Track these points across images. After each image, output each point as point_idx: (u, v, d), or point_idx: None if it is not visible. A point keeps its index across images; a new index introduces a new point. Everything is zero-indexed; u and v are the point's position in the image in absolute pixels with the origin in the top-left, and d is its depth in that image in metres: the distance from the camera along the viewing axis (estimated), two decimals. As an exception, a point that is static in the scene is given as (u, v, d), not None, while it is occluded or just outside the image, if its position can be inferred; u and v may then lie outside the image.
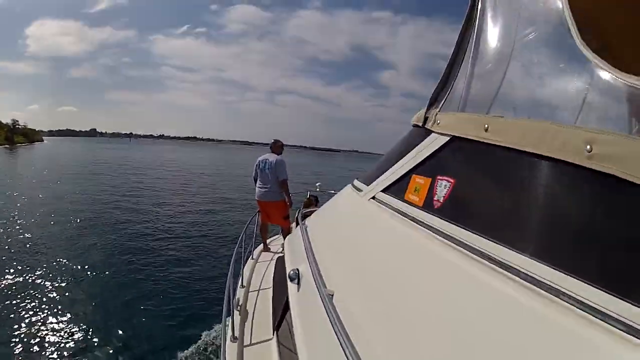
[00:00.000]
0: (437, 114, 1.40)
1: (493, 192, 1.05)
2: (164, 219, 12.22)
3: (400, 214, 1.38)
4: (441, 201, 1.18)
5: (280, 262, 3.02)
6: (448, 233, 1.08)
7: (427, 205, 1.24)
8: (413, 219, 1.28)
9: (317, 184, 7.06)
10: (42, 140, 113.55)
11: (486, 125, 1.05)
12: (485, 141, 1.06)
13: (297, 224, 4.32)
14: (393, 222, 1.41)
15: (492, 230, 0.94)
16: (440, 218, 1.14)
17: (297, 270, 1.81)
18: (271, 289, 3.13)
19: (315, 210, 4.34)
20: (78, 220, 11.13)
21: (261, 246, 4.97)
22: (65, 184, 18.93)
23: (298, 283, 1.78)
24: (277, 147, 4.96)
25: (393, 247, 1.37)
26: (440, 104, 1.44)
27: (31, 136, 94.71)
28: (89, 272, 7.18)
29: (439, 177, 1.24)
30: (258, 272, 3.86)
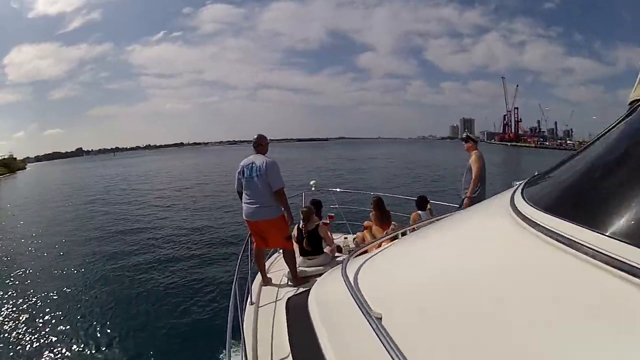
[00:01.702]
0: None
1: None
2: (142, 247, 11.22)
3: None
4: None
5: (295, 306, 2.42)
6: None
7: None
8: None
9: (312, 182, 6.36)
10: (25, 168, 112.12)
11: None
12: None
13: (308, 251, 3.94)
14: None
15: None
16: None
17: None
18: (287, 343, 2.12)
19: (319, 223, 4.15)
20: (45, 254, 11.17)
21: (258, 277, 3.99)
22: (43, 212, 19.94)
23: None
24: (263, 145, 3.99)
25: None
26: None
27: (13, 166, 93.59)
28: (77, 298, 7.56)
29: None
30: (264, 320, 2.95)
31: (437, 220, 2.34)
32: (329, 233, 4.60)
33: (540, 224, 1.01)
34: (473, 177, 4.82)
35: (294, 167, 37.25)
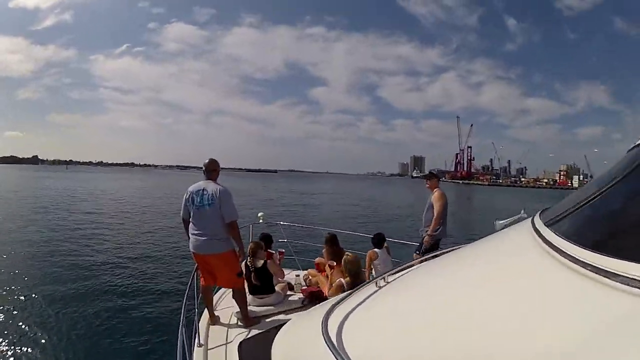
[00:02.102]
0: None
1: None
2: (74, 274, 9.49)
3: None
4: None
5: (252, 355, 2.52)
6: None
7: None
8: None
9: (260, 214, 6.02)
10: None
11: None
12: None
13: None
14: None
15: None
16: None
17: None
18: None
19: (267, 260, 4.07)
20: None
21: (206, 315, 3.67)
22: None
23: None
24: (216, 171, 3.70)
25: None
26: None
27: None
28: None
29: None
30: None
31: (439, 256, 2.07)
32: (279, 268, 4.46)
33: (580, 258, 0.96)
34: (435, 215, 4.75)
35: (241, 197, 36.11)
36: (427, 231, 4.81)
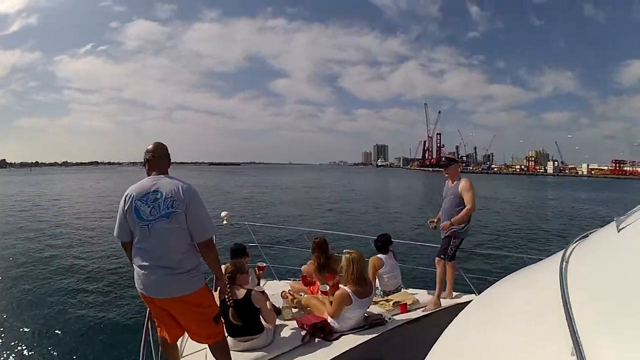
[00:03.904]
0: None
1: None
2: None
3: None
4: None
5: None
6: None
7: None
8: None
9: (223, 214, 5.05)
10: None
11: None
12: None
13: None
14: None
15: None
16: None
17: None
18: None
19: (252, 289, 3.04)
20: None
21: None
22: None
23: None
24: (167, 158, 2.54)
25: None
26: None
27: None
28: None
29: None
30: None
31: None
32: (268, 304, 3.33)
33: None
34: (468, 207, 3.97)
35: (202, 195, 33.42)
36: (449, 230, 4.01)
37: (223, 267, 2.79)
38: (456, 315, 1.30)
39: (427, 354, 1.14)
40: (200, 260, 2.38)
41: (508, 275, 1.50)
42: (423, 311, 3.89)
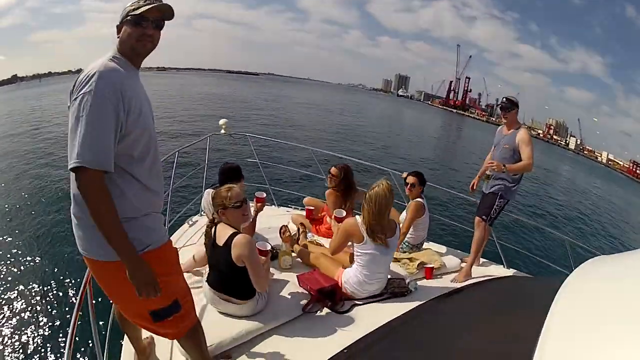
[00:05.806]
0: None
1: None
2: None
3: None
4: None
5: None
6: None
7: None
8: None
9: (221, 122, 4.40)
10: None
11: None
12: None
13: None
14: None
15: None
16: None
17: None
18: None
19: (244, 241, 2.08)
20: None
21: (128, 350, 2.00)
22: None
23: None
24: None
25: None
26: None
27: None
28: None
29: None
30: None
31: None
32: (263, 263, 2.30)
33: None
34: (525, 162, 3.21)
35: (213, 103, 31.42)
36: (494, 186, 3.33)
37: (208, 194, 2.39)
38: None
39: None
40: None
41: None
42: (452, 281, 3.20)
